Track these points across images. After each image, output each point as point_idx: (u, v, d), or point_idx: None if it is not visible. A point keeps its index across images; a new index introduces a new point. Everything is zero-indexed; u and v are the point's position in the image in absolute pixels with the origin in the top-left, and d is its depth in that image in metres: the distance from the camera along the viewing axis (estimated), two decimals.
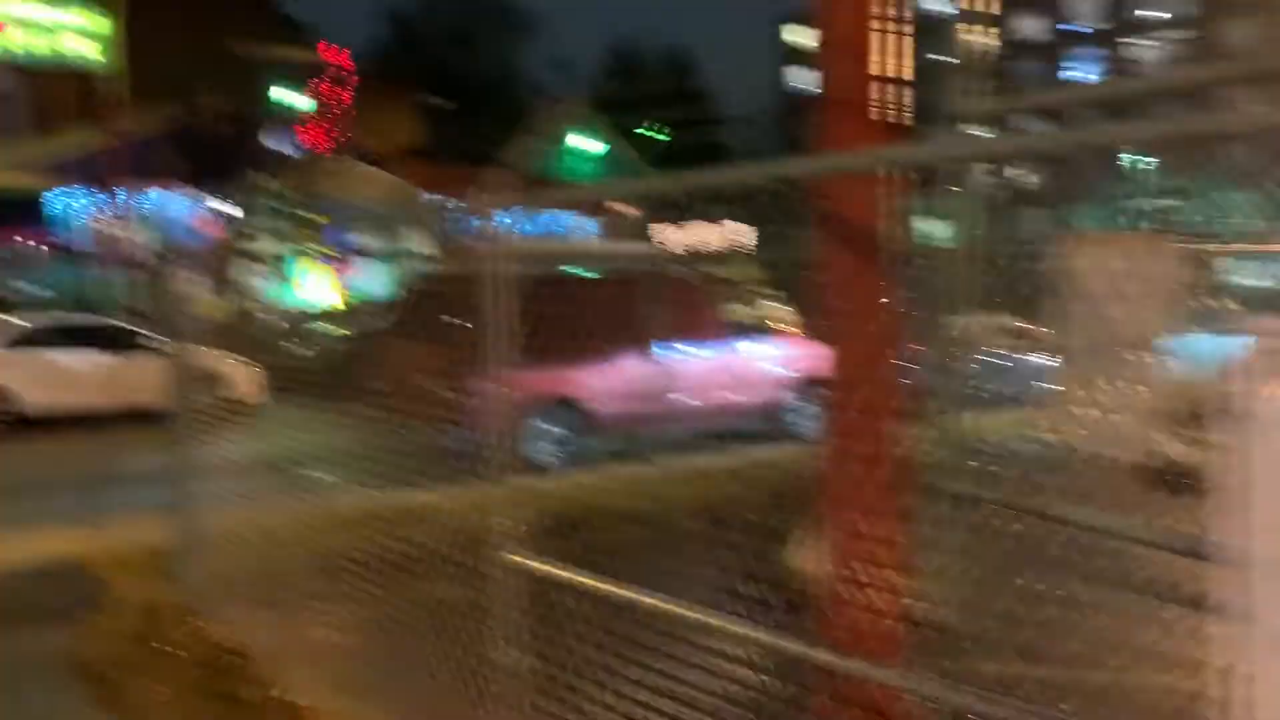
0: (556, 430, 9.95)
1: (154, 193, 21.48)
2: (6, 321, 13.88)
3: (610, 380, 9.94)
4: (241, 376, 15.66)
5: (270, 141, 19.39)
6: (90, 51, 18.48)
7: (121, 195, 19.54)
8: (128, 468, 8.05)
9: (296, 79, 19.92)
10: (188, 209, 23.34)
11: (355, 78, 21.05)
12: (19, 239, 21.55)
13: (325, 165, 20.41)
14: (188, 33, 21.00)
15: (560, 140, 33.20)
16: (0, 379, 12.99)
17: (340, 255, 22.47)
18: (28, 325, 13.89)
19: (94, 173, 20.72)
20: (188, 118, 18.93)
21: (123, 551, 6.27)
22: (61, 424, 13.57)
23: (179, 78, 21.57)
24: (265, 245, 20.19)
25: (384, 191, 24.57)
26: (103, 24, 18.45)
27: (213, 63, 20.10)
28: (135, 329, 14.84)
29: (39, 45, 18.11)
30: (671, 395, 9.93)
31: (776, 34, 69.36)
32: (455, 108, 42.91)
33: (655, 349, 10.44)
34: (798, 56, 67.24)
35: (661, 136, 36.36)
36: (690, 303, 11.29)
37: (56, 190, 21.69)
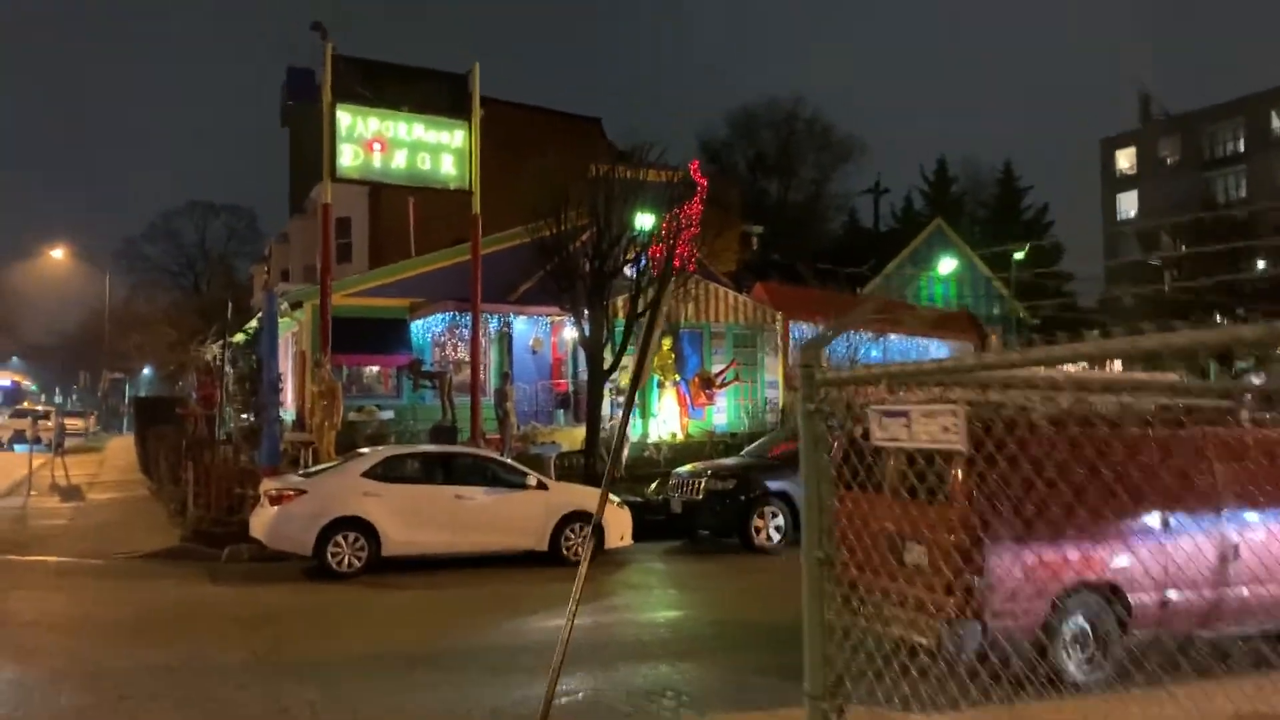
0: (1088, 627, 7.38)
1: (510, 315, 20.99)
2: (363, 454, 12.72)
3: (1160, 558, 7.36)
4: (616, 520, 13.67)
5: (624, 263, 17.90)
6: (454, 171, 18.19)
7: (470, 318, 18.82)
8: None
9: (646, 200, 18.47)
10: (536, 330, 22.79)
11: (702, 200, 19.31)
12: (379, 363, 21.87)
13: (679, 286, 18.59)
14: (530, 153, 20.72)
15: (917, 260, 30.87)
16: (361, 510, 11.66)
17: (702, 382, 20.58)
18: (388, 453, 12.68)
19: (454, 294, 20.52)
20: (550, 237, 17.94)
21: None
22: (420, 566, 12.03)
23: (527, 200, 21.27)
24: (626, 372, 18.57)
25: (741, 314, 22.69)
26: (464, 144, 18.17)
27: (559, 184, 19.46)
28: (498, 461, 13.24)
29: (412, 165, 18.05)
30: (1237, 580, 7.57)
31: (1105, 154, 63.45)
32: (781, 229, 42.15)
33: (1208, 513, 7.73)
34: (1128, 182, 61.10)
35: (1018, 255, 32.79)
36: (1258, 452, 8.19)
37: (418, 312, 21.84)
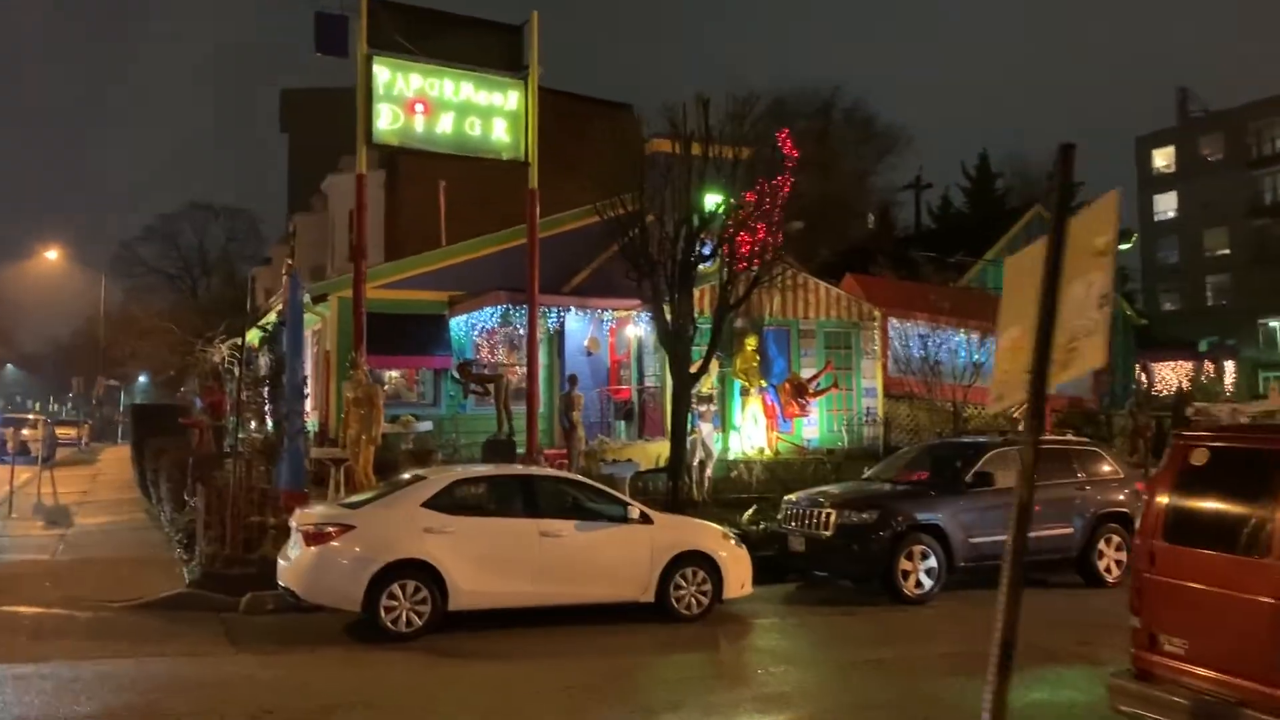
0: None
1: (569, 308, 18.47)
2: (421, 477, 10.21)
3: None
4: (735, 562, 11.15)
5: (717, 247, 15.38)
6: (507, 138, 15.77)
7: (525, 311, 16.35)
8: None
9: (726, 178, 15.91)
10: (591, 329, 20.32)
11: (792, 173, 16.65)
12: (416, 364, 19.38)
13: (765, 279, 16.06)
14: (562, 140, 18.31)
15: (1015, 250, 28.34)
16: (422, 552, 9.18)
17: (794, 389, 18.04)
18: (454, 476, 10.16)
19: (500, 285, 18.07)
20: (626, 215, 15.45)
21: None
22: (493, 621, 9.55)
23: (580, 178, 18.89)
24: (709, 378, 16.08)
25: (834, 309, 20.16)
26: (519, 106, 15.74)
27: (635, 158, 17.04)
28: (591, 486, 10.73)
29: (459, 131, 15.61)
30: None
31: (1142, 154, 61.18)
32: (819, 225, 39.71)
33: None
34: (1165, 181, 58.79)
35: (1124, 246, 30.37)
36: None
37: (460, 306, 19.40)
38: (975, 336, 18.31)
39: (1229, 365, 28.25)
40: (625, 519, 10.11)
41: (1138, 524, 13.04)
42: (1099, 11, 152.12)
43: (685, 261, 14.87)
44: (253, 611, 10.22)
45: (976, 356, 17.84)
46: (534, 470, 11.22)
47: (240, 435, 17.28)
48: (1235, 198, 53.99)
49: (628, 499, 10.41)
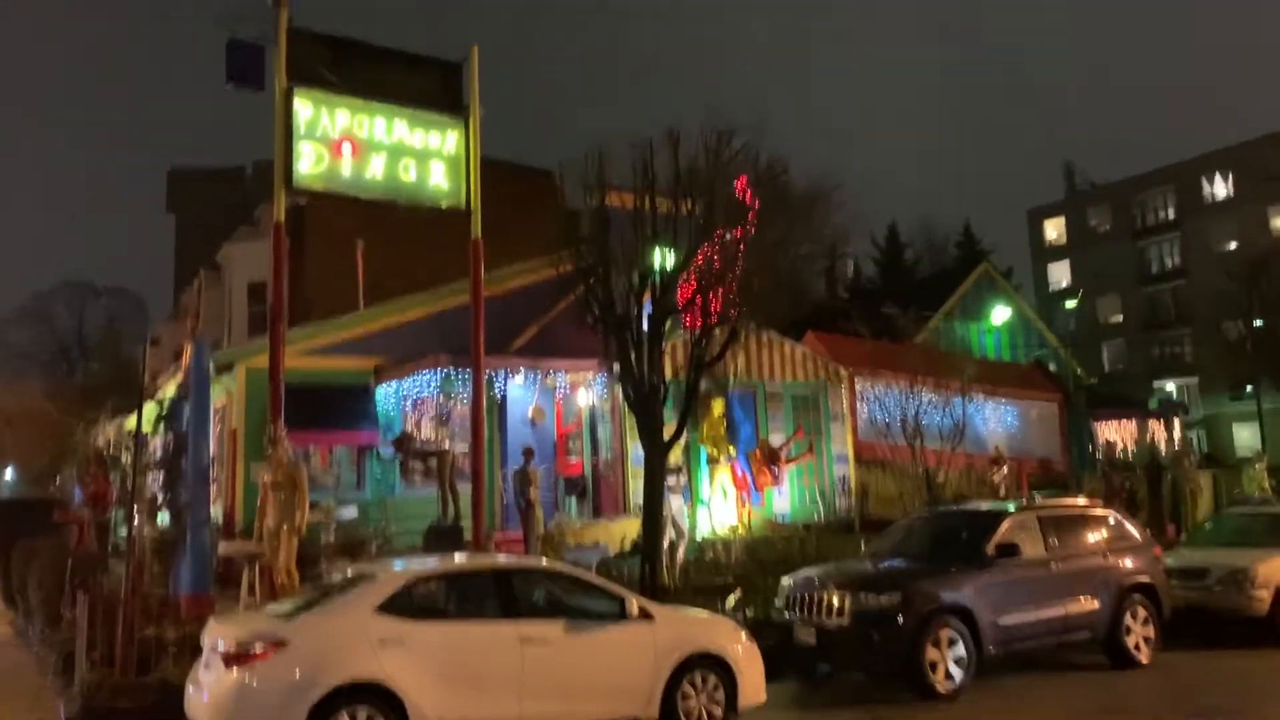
0: None
1: (520, 369, 16.84)
2: (368, 576, 8.44)
3: None
4: (749, 663, 9.55)
5: (670, 302, 14.15)
6: (445, 184, 14.47)
7: (468, 374, 14.82)
8: None
9: (668, 234, 14.82)
10: (535, 396, 18.72)
11: (752, 223, 15.66)
12: (338, 441, 17.40)
13: (742, 333, 14.88)
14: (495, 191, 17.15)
15: (967, 307, 28.08)
16: (378, 672, 7.41)
17: (765, 457, 16.69)
18: (414, 573, 8.41)
19: (431, 349, 16.46)
20: (578, 271, 14.16)
21: None
22: None
23: (516, 233, 17.66)
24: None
25: (800, 370, 19.01)
26: (458, 149, 14.50)
27: (558, 217, 15.94)
28: (577, 577, 9.09)
29: (391, 175, 14.21)
30: None
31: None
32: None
33: None
34: (1057, 252, 61.63)
35: (1072, 302, 30.44)
36: None
37: (388, 374, 17.63)
38: (952, 396, 17.37)
39: (1177, 423, 28.25)
40: (622, 616, 8.50)
41: (1162, 595, 12.28)
42: (994, 83, 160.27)
43: (656, 315, 13.55)
44: None
45: (956, 418, 16.88)
46: (511, 561, 9.51)
47: (126, 531, 15.00)
48: (1124, 267, 56.68)
49: (623, 591, 8.80)
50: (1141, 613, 11.61)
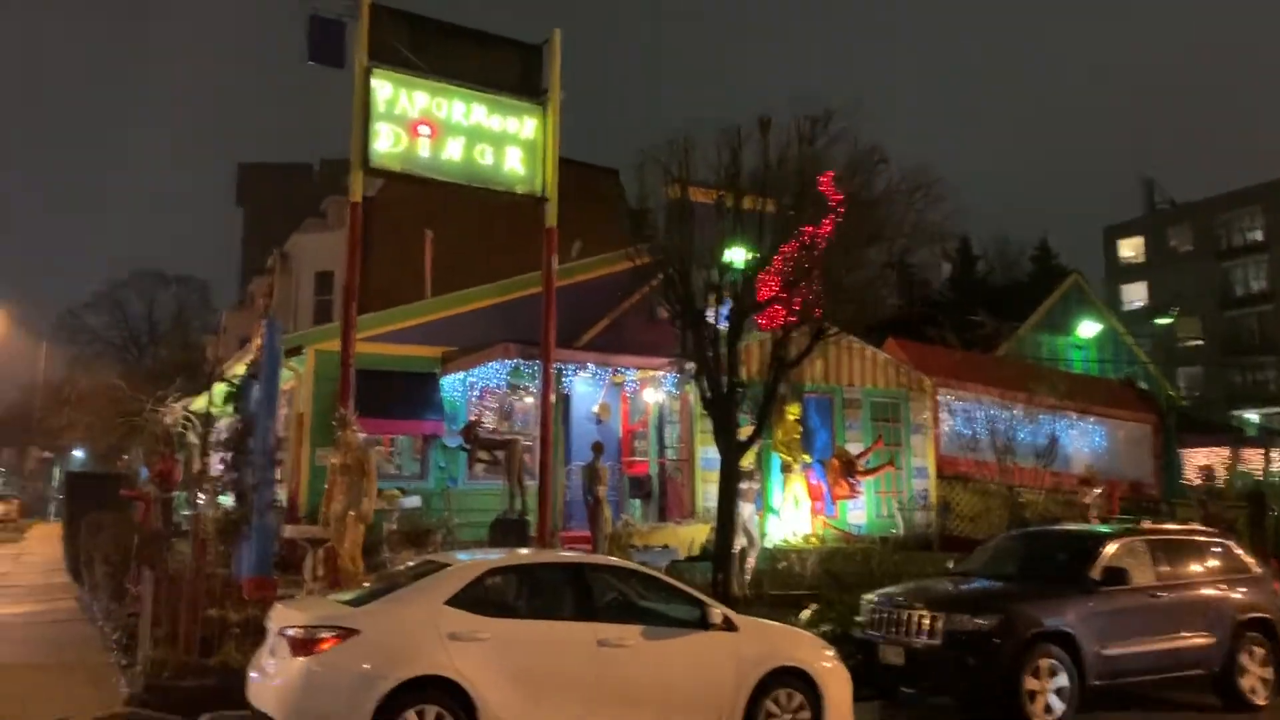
0: None
1: (588, 365, 16.47)
2: (441, 565, 8.08)
3: None
4: (837, 682, 8.98)
5: (750, 299, 13.61)
6: (522, 170, 14.13)
7: (539, 367, 14.45)
8: None
9: (751, 228, 14.24)
10: (602, 394, 18.33)
11: (836, 219, 14.98)
12: (405, 430, 17.19)
13: (828, 334, 14.28)
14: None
15: (1054, 320, 27.17)
16: (448, 667, 7.03)
17: (843, 466, 16.09)
18: (487, 565, 8.02)
19: (506, 337, 16.15)
20: (656, 263, 13.73)
21: None
22: None
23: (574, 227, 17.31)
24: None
25: (881, 377, 18.34)
26: (536, 135, 14.17)
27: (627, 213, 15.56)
28: (658, 580, 8.63)
29: (469, 159, 13.92)
30: None
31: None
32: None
33: None
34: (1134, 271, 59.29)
35: (1164, 319, 29.31)
36: None
37: (455, 364, 17.39)
38: (1043, 412, 16.55)
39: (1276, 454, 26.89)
40: (704, 624, 8.02)
41: None
42: (1071, 102, 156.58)
43: (735, 313, 13.05)
44: None
45: (1049, 435, 16.06)
46: (588, 557, 9.09)
47: (189, 510, 14.91)
48: (1206, 288, 54.62)
49: (706, 598, 8.32)
50: (1259, 651, 10.78)
